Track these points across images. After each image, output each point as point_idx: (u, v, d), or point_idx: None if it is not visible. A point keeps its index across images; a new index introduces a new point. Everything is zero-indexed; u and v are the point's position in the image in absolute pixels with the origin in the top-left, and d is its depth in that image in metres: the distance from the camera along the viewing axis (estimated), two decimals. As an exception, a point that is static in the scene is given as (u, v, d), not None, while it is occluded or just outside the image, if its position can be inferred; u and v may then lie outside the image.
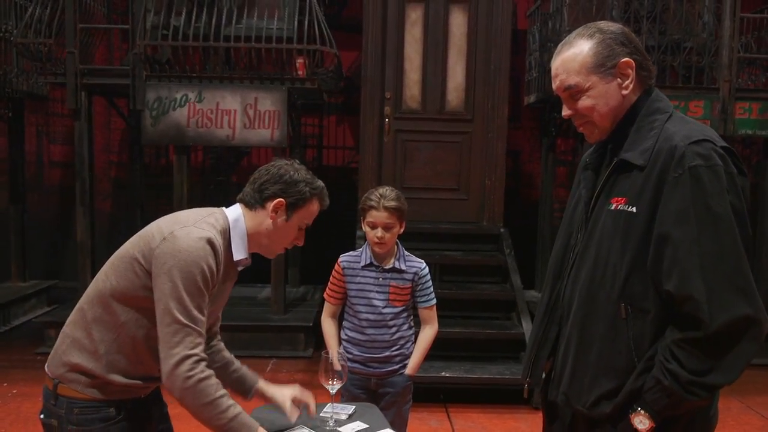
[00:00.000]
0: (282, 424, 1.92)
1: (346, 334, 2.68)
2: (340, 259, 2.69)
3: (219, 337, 2.04)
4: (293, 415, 1.95)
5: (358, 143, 5.79)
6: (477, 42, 5.56)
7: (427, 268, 2.67)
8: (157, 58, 5.35)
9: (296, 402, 1.98)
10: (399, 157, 5.65)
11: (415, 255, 2.71)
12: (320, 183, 1.88)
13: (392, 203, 2.54)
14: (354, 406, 2.15)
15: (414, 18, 5.59)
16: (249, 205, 1.83)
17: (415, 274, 2.63)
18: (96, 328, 1.72)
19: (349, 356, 2.58)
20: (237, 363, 2.04)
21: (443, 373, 4.37)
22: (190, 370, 1.62)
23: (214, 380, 1.66)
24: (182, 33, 5.09)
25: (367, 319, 2.61)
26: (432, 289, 2.68)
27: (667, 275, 1.51)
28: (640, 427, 1.56)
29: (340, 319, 2.75)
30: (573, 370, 1.67)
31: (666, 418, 1.54)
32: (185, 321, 1.63)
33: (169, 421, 1.97)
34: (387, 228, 2.55)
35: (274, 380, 2.20)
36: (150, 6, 5.16)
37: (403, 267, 2.62)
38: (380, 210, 2.53)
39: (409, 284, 2.62)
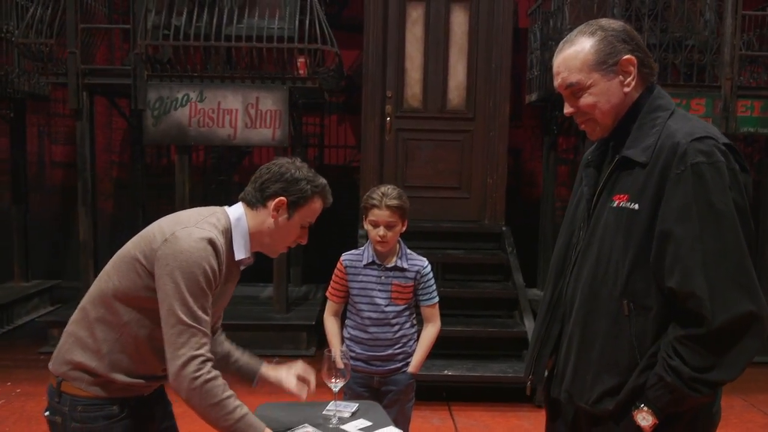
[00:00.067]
0: (288, 422, 1.93)
1: (348, 333, 2.68)
2: (342, 258, 2.69)
3: (221, 331, 2.05)
4: (302, 392, 1.98)
5: (360, 142, 5.79)
6: (478, 40, 5.55)
7: (429, 266, 2.67)
8: (158, 57, 5.35)
9: (301, 380, 2.01)
10: (400, 155, 5.65)
11: (416, 253, 2.71)
12: (322, 180, 1.87)
13: (394, 201, 2.54)
14: (357, 404, 2.15)
15: (415, 17, 5.59)
16: (251, 204, 1.83)
17: (418, 272, 2.63)
18: (99, 327, 1.72)
19: (352, 354, 2.58)
20: (238, 353, 2.05)
21: (446, 372, 4.38)
22: (197, 371, 1.62)
23: (220, 381, 1.66)
24: (183, 33, 5.08)
25: (369, 318, 2.61)
26: (434, 287, 2.68)
27: (670, 272, 1.51)
28: (643, 423, 1.56)
29: (342, 317, 2.76)
30: (575, 368, 1.67)
31: (669, 415, 1.54)
32: (190, 322, 1.63)
33: (173, 419, 1.97)
34: (389, 226, 2.55)
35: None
36: (151, 6, 5.15)
37: (405, 265, 2.62)
38: (382, 208, 2.53)
39: (411, 282, 2.62)
